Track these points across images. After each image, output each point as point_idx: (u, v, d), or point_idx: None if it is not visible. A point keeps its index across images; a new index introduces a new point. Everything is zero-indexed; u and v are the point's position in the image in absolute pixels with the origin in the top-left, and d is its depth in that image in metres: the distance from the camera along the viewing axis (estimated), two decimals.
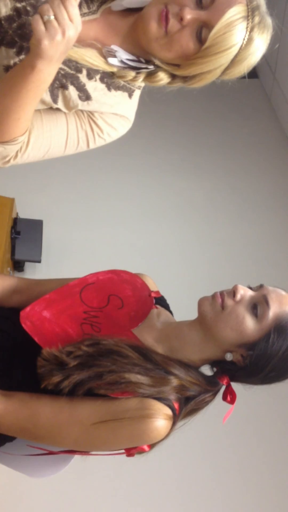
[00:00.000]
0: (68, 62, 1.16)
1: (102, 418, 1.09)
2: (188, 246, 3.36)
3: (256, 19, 1.11)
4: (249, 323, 1.18)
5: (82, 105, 1.19)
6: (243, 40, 1.11)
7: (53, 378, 1.09)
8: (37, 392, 1.13)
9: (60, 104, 1.18)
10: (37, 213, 3.20)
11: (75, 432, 1.11)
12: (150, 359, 1.16)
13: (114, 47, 1.18)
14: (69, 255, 3.21)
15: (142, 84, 1.26)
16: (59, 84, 1.16)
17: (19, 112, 1.08)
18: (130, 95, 1.25)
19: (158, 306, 1.34)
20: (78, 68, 1.17)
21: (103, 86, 1.21)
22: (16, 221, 3.06)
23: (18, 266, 3.06)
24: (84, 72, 1.18)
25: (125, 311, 1.27)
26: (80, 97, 1.19)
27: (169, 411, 1.12)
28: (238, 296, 1.19)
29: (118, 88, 1.23)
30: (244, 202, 3.62)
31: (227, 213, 3.56)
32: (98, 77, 1.20)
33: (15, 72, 1.06)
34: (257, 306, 1.18)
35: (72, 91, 1.17)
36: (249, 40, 1.11)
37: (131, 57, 1.19)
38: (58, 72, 1.14)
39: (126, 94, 1.25)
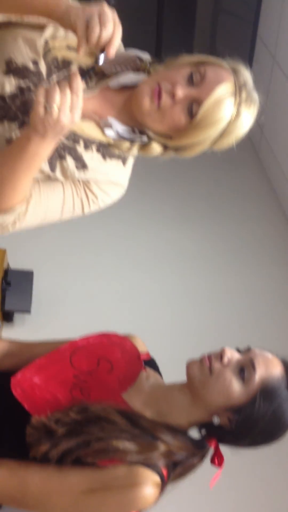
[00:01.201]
0: (67, 133, 1.22)
1: (91, 487, 1.10)
2: (179, 297, 3.37)
3: (244, 95, 1.18)
4: (236, 387, 1.20)
5: (79, 174, 1.25)
6: (231, 114, 1.18)
7: (41, 447, 1.10)
8: (26, 459, 1.14)
9: (58, 174, 1.23)
10: (28, 263, 3.22)
11: (64, 501, 1.11)
12: (138, 425, 1.17)
13: (110, 119, 1.25)
14: (60, 306, 3.22)
15: (136, 152, 1.32)
16: (58, 155, 1.21)
17: (15, 182, 1.13)
18: (124, 163, 1.31)
19: (147, 368, 1.36)
20: (76, 139, 1.23)
21: (99, 155, 1.26)
22: (7, 272, 3.08)
23: (7, 317, 3.06)
24: (81, 143, 1.24)
25: (115, 374, 1.29)
26: (77, 167, 1.24)
27: (157, 478, 1.13)
28: (226, 360, 1.22)
29: (113, 156, 1.28)
30: (235, 254, 3.66)
31: (218, 264, 3.59)
32: (94, 147, 1.25)
33: (13, 144, 1.13)
34: (244, 369, 1.21)
35: (69, 161, 1.23)
36: (237, 114, 1.19)
37: (126, 128, 1.26)
38: (57, 144, 1.19)
39: (120, 162, 1.30)
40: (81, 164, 1.24)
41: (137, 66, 1.26)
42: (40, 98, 1.03)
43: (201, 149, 1.25)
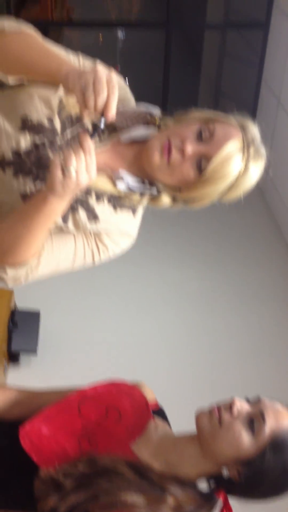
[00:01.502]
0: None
1: None
2: (186, 341, 3.34)
3: (252, 151, 1.21)
4: (246, 439, 1.19)
5: (90, 225, 1.27)
6: (239, 170, 1.20)
7: (49, 501, 1.09)
8: (33, 511, 1.13)
9: (70, 225, 1.26)
10: (34, 303, 3.23)
11: None
12: (146, 477, 1.16)
13: (121, 172, 1.28)
14: (66, 347, 3.21)
15: (146, 203, 1.34)
16: (70, 207, 1.23)
17: (30, 238, 1.16)
18: (134, 213, 1.34)
19: (155, 418, 1.35)
20: (88, 191, 1.26)
21: (110, 207, 1.29)
22: (13, 312, 3.08)
23: (13, 358, 3.05)
24: (93, 195, 1.27)
25: (123, 424, 1.28)
26: (89, 219, 1.27)
27: None
28: (235, 411, 1.21)
29: (123, 207, 1.31)
30: (241, 297, 3.65)
31: (227, 308, 3.56)
32: (105, 199, 1.28)
33: (29, 203, 1.15)
34: (254, 421, 1.20)
35: (81, 214, 1.25)
36: (245, 169, 1.21)
37: (137, 181, 1.29)
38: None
39: (130, 212, 1.33)
40: (93, 216, 1.27)
41: (148, 120, 1.29)
42: (57, 162, 1.06)
43: (210, 201, 1.27)
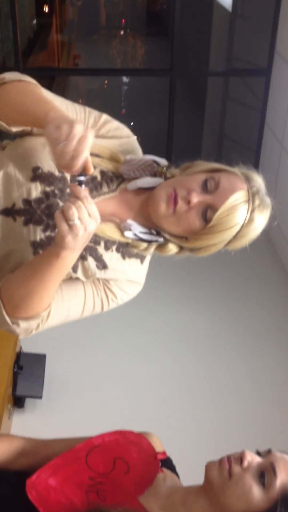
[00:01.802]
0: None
1: None
2: (193, 385, 3.31)
3: (257, 201, 1.23)
4: (256, 493, 1.16)
5: (99, 273, 1.28)
6: (244, 220, 1.22)
7: None
8: None
9: (79, 273, 1.27)
10: (40, 346, 3.21)
11: None
12: None
13: (129, 221, 1.29)
14: (71, 391, 3.18)
15: (152, 251, 1.36)
16: (80, 256, 1.24)
17: (42, 292, 1.17)
18: (142, 261, 1.36)
19: (164, 469, 1.33)
20: (97, 240, 1.27)
21: (118, 255, 1.30)
22: (19, 355, 3.07)
23: (18, 402, 3.02)
24: (102, 244, 1.28)
25: (131, 476, 1.26)
26: (97, 267, 1.28)
27: None
28: (246, 463, 1.18)
29: (131, 256, 1.33)
30: (246, 339, 3.63)
31: (231, 350, 3.54)
32: (114, 247, 1.30)
33: (41, 258, 1.16)
34: (265, 474, 1.17)
35: (91, 262, 1.27)
36: (250, 219, 1.22)
37: (144, 230, 1.30)
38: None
39: (138, 261, 1.35)
40: (102, 264, 1.28)
41: (154, 170, 1.32)
42: (60, 217, 1.06)
43: (215, 250, 1.28)
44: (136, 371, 3.34)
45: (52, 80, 6.93)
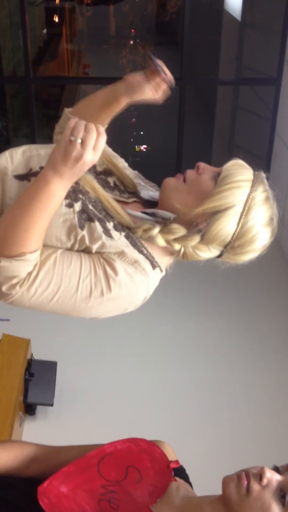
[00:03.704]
0: (99, 209, 1.24)
1: None
2: (204, 394, 3.30)
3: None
4: None
5: (106, 239, 1.20)
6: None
7: None
8: None
9: (85, 231, 1.19)
10: (51, 354, 3.22)
11: None
12: None
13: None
14: (82, 398, 3.18)
15: (166, 266, 1.30)
16: (87, 217, 1.21)
17: (27, 223, 1.10)
18: (153, 267, 1.26)
19: (177, 478, 1.32)
20: (106, 217, 1.24)
21: (127, 242, 1.23)
22: (30, 362, 3.07)
23: (29, 409, 3.03)
24: (111, 222, 1.24)
25: (144, 485, 1.25)
26: (104, 233, 1.21)
27: None
28: (265, 481, 1.14)
29: (141, 253, 1.24)
30: (259, 347, 3.62)
31: (244, 357, 3.53)
32: (123, 233, 1.24)
33: (29, 186, 1.13)
34: (285, 494, 1.14)
35: (97, 225, 1.21)
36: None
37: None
38: (87, 208, 1.21)
39: (148, 263, 1.25)
40: (108, 235, 1.21)
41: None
42: (67, 130, 1.05)
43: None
44: (147, 379, 3.34)
45: (62, 88, 6.99)
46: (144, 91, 1.37)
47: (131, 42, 10.13)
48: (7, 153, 1.29)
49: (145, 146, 6.95)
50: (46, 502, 1.18)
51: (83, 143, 1.04)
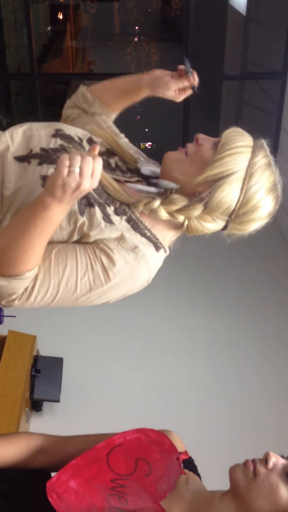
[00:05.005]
0: (99, 193, 1.23)
1: None
2: (211, 388, 3.29)
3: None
4: (284, 492, 1.13)
5: (105, 226, 1.19)
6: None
7: None
8: None
9: (85, 217, 1.19)
10: (58, 350, 3.21)
11: None
12: None
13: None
14: (89, 394, 3.17)
15: (169, 244, 1.29)
16: (87, 202, 1.20)
17: (26, 244, 1.10)
18: (156, 249, 1.24)
19: (186, 471, 1.30)
20: (107, 202, 1.23)
21: (128, 226, 1.22)
22: (36, 359, 3.06)
23: (36, 405, 3.02)
24: (112, 207, 1.23)
25: (153, 478, 1.24)
26: (104, 219, 1.20)
27: None
28: (271, 464, 1.16)
29: (144, 235, 1.23)
30: (263, 341, 3.61)
31: (255, 355, 3.52)
32: (124, 217, 1.23)
33: (28, 208, 1.12)
34: None
35: (97, 211, 1.20)
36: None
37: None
38: (88, 194, 1.19)
39: (151, 246, 1.24)
40: (108, 221, 1.21)
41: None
42: (64, 160, 1.05)
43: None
44: (153, 374, 3.33)
45: (68, 85, 6.97)
46: (169, 90, 1.40)
47: (136, 39, 10.11)
48: (7, 133, 1.29)
49: (150, 143, 6.94)
50: (55, 498, 1.16)
51: (81, 172, 1.05)
